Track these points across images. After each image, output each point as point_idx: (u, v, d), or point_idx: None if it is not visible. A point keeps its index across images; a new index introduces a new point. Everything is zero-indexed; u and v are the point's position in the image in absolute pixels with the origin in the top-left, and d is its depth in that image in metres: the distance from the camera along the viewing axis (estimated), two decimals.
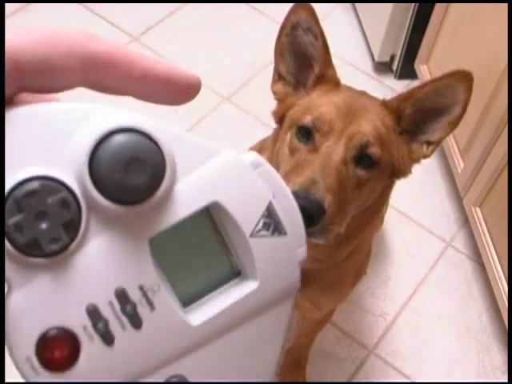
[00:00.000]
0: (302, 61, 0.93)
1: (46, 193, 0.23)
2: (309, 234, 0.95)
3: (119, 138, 0.23)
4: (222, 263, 0.27)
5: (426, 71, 1.85)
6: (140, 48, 2.05)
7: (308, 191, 0.80)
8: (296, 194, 0.81)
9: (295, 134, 0.88)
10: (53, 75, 0.24)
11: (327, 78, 0.92)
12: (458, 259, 1.70)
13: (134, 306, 0.25)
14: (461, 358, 1.53)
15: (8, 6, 2.07)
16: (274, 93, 0.96)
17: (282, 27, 0.91)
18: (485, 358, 1.54)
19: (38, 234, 0.23)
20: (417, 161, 0.95)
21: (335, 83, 0.92)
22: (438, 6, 1.73)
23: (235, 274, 0.28)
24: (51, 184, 0.23)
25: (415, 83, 1.97)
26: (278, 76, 0.95)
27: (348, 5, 2.25)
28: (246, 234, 0.26)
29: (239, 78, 1.99)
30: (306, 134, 0.87)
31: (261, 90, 2.00)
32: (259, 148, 1.38)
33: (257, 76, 1.99)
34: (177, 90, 0.26)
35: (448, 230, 1.75)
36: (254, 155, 0.27)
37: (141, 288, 0.25)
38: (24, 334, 0.24)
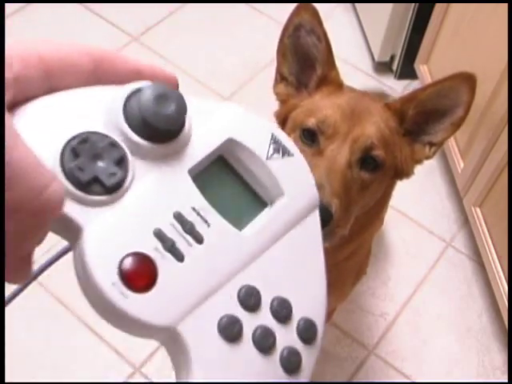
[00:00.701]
0: (304, 62, 0.92)
1: (96, 140, 0.27)
2: None
3: (147, 89, 0.28)
4: (251, 198, 0.32)
5: (425, 71, 1.85)
6: (140, 48, 2.05)
7: None
8: None
9: (299, 137, 0.87)
10: (71, 71, 0.29)
11: (330, 80, 0.91)
12: (458, 259, 1.70)
13: (193, 225, 0.29)
14: (461, 358, 1.53)
15: (8, 6, 2.07)
16: (276, 94, 0.95)
17: (285, 29, 0.90)
18: (485, 358, 1.54)
19: (98, 171, 0.27)
20: (419, 162, 0.95)
21: (338, 85, 0.92)
22: (438, 6, 1.73)
23: (264, 204, 0.32)
24: (98, 134, 0.28)
25: (415, 83, 1.97)
26: (281, 77, 0.94)
27: (348, 5, 2.25)
28: (263, 158, 0.32)
29: (239, 78, 1.99)
30: (309, 136, 0.86)
31: (261, 90, 1.99)
32: None
33: (257, 76, 1.99)
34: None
35: (448, 230, 1.75)
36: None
37: (193, 209, 0.29)
38: (105, 263, 0.27)
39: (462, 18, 1.63)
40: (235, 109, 0.32)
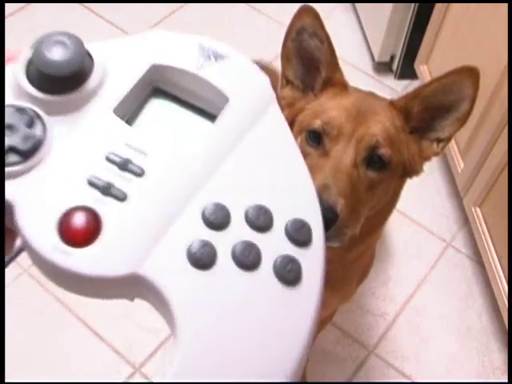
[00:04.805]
0: (308, 65, 0.92)
1: (5, 113, 0.26)
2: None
3: (41, 43, 0.27)
4: (197, 117, 0.30)
5: (426, 71, 1.85)
6: None
7: (320, 197, 0.80)
8: None
9: (305, 139, 0.87)
10: None
11: (335, 81, 0.91)
12: (458, 259, 1.70)
13: (128, 161, 0.27)
14: (461, 358, 1.53)
15: (8, 6, 2.07)
16: (283, 98, 0.95)
17: (287, 33, 0.90)
18: (485, 358, 1.53)
19: (11, 141, 0.25)
20: (428, 159, 0.94)
21: (343, 86, 0.92)
22: (438, 6, 1.73)
23: (214, 117, 0.29)
24: (6, 107, 0.26)
25: (415, 83, 1.97)
26: (286, 81, 0.94)
27: (348, 5, 2.25)
28: (193, 71, 0.29)
29: None
30: (315, 138, 0.86)
31: None
32: None
33: None
34: None
35: (448, 230, 1.75)
36: None
37: (128, 145, 0.27)
38: (42, 229, 0.25)
39: (462, 17, 1.63)
40: (156, 34, 0.30)
